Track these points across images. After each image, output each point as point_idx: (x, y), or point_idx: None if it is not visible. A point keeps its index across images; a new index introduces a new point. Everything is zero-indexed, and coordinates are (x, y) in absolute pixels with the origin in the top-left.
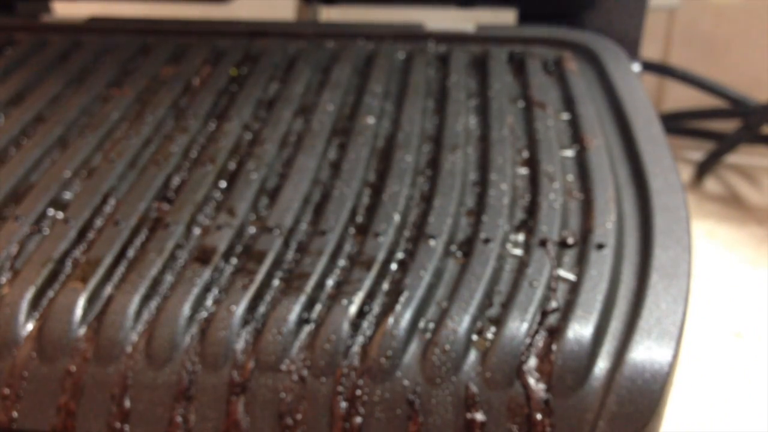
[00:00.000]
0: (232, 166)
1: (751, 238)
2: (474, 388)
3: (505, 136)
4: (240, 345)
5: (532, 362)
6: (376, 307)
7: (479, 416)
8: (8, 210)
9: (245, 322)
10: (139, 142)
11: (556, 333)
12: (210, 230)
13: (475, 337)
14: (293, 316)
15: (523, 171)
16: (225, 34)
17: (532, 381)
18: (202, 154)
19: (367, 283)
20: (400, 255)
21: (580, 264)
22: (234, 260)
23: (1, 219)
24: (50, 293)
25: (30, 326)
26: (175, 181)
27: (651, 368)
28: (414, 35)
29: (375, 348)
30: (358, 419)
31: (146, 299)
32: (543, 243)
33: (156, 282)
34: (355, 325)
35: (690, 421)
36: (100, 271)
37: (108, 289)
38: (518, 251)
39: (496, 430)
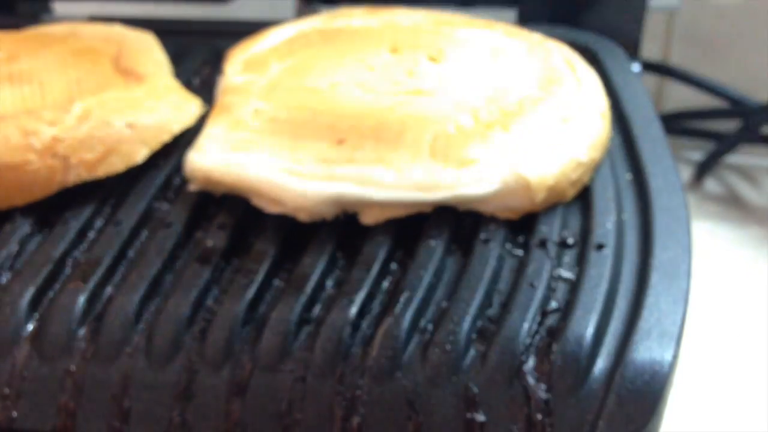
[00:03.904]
0: None
1: (751, 238)
2: (474, 388)
3: None
4: (240, 345)
5: (532, 362)
6: (376, 307)
7: (479, 416)
8: (8, 210)
9: (245, 322)
10: None
11: (556, 333)
12: (210, 230)
13: (475, 337)
14: (293, 316)
15: None
16: (225, 34)
17: (532, 381)
18: None
19: (367, 283)
20: (400, 255)
21: (580, 264)
22: (234, 260)
23: (2, 219)
24: (50, 293)
25: (30, 326)
26: (176, 181)
27: (651, 368)
28: None
29: (375, 348)
30: (358, 419)
31: (146, 299)
32: (543, 243)
33: (156, 282)
34: (355, 325)
35: (690, 421)
36: (100, 271)
37: (108, 289)
38: (518, 251)
39: (496, 430)
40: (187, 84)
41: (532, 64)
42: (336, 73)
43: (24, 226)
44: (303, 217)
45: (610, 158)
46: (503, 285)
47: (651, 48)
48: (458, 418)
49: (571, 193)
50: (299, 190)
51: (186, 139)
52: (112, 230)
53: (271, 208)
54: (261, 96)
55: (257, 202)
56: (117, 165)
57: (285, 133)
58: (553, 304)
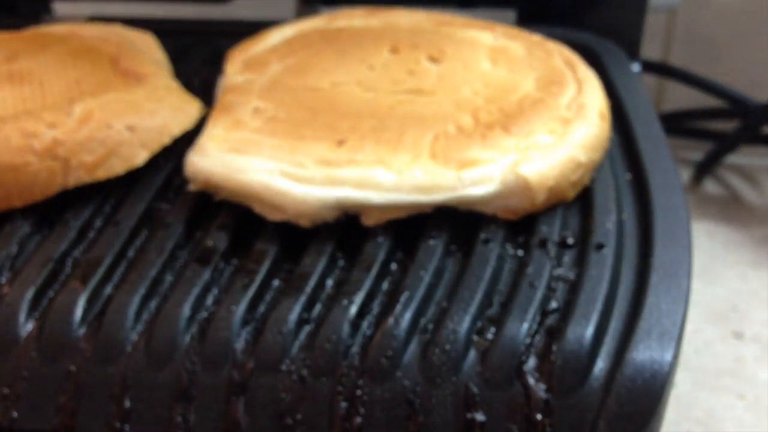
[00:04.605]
0: None
1: (751, 239)
2: (474, 388)
3: None
4: (240, 345)
5: (532, 362)
6: (376, 307)
7: (479, 416)
8: (8, 210)
9: (245, 322)
10: None
11: (556, 333)
12: (210, 230)
13: (475, 337)
14: (293, 316)
15: None
16: (225, 34)
17: (532, 381)
18: None
19: (367, 283)
20: (400, 255)
21: (580, 264)
22: (234, 260)
23: (2, 219)
24: (50, 293)
25: (30, 326)
26: (176, 181)
27: (651, 368)
28: None
29: (375, 348)
30: (358, 419)
31: (146, 299)
32: (543, 243)
33: (156, 282)
34: (355, 325)
35: (690, 421)
36: (100, 271)
37: (108, 289)
38: (518, 251)
39: (496, 430)
40: (187, 84)
41: (532, 64)
42: (336, 72)
43: (24, 227)
44: (305, 223)
45: (610, 158)
46: (503, 285)
47: (651, 48)
48: (458, 418)
49: (572, 193)
50: (300, 197)
51: (187, 137)
52: (112, 230)
53: (273, 216)
54: (261, 96)
55: (259, 209)
56: (117, 167)
57: (285, 133)
58: (553, 304)
